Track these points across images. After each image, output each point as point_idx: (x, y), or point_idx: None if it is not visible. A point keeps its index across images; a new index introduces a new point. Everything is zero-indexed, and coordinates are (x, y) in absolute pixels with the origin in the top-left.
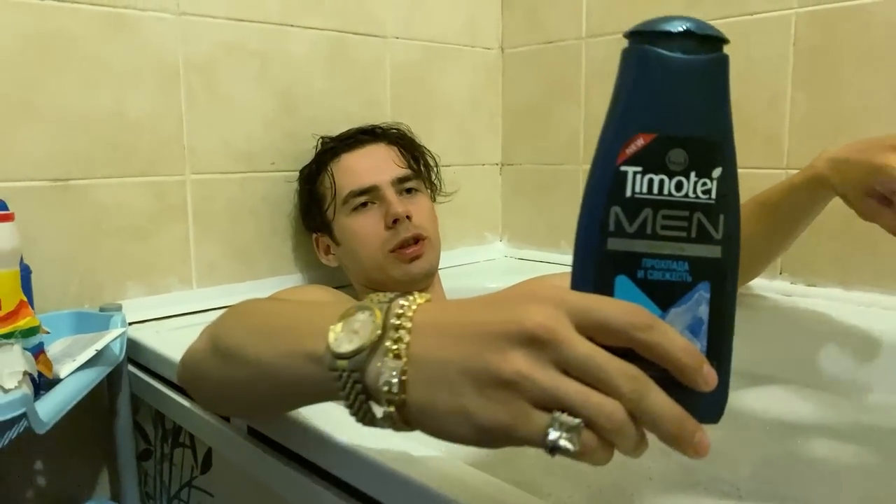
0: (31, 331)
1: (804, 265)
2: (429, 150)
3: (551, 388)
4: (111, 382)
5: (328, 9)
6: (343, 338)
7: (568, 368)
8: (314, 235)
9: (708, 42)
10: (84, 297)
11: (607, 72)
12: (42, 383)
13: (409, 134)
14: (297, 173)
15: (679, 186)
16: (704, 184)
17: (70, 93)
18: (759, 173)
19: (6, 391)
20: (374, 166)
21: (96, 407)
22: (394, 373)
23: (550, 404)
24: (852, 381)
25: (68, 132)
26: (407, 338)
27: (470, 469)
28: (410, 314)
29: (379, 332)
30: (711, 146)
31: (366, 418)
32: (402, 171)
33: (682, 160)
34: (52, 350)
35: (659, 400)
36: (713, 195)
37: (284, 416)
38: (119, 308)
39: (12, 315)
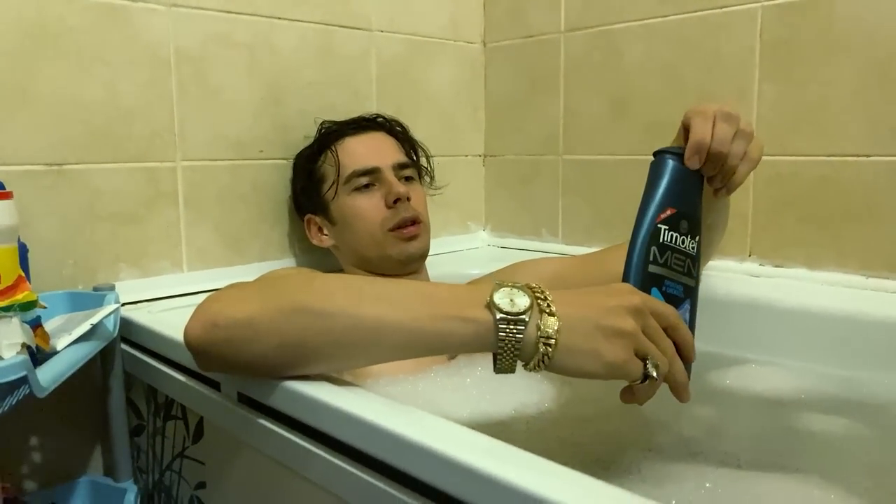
0: (29, 304)
1: (772, 248)
2: (423, 146)
3: (646, 342)
4: (105, 360)
5: (315, 2)
6: (505, 304)
7: (657, 320)
8: (307, 217)
9: None
10: (78, 279)
11: (585, 65)
12: (39, 357)
13: (408, 129)
14: (285, 161)
15: (683, 241)
16: (692, 243)
17: (65, 81)
18: None
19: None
20: (376, 150)
21: (90, 384)
22: (552, 324)
23: (643, 352)
24: (821, 357)
25: (63, 119)
26: (553, 305)
27: (465, 428)
28: (544, 289)
29: (533, 299)
30: (696, 222)
31: (507, 363)
32: (403, 158)
33: (686, 227)
34: (49, 326)
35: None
36: (695, 251)
37: (273, 380)
38: (112, 288)
39: (11, 289)
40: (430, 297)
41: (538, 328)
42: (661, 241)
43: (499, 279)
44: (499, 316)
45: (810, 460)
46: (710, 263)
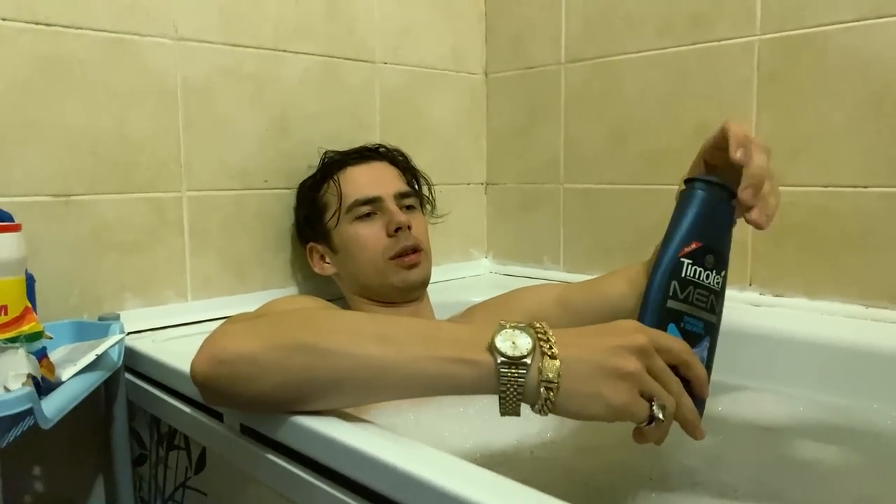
0: (35, 335)
1: (772, 277)
2: (425, 175)
3: (651, 382)
4: (108, 390)
5: (320, 35)
6: (507, 347)
7: (666, 357)
8: (309, 245)
9: (727, 192)
10: (83, 308)
11: (585, 95)
12: (44, 387)
13: (409, 158)
14: (289, 190)
15: (707, 277)
16: (717, 278)
17: (74, 113)
18: None
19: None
20: (378, 179)
21: (93, 414)
22: (553, 368)
23: (648, 393)
24: (820, 386)
25: (72, 150)
26: (555, 347)
27: (468, 463)
28: (547, 329)
29: (535, 342)
30: (723, 256)
31: (511, 407)
32: (404, 187)
33: (711, 262)
34: (54, 357)
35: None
36: (720, 286)
37: (277, 414)
38: (117, 317)
39: (17, 320)
40: (431, 338)
41: (540, 371)
42: (682, 275)
43: (502, 307)
44: (500, 360)
45: (803, 491)
46: None
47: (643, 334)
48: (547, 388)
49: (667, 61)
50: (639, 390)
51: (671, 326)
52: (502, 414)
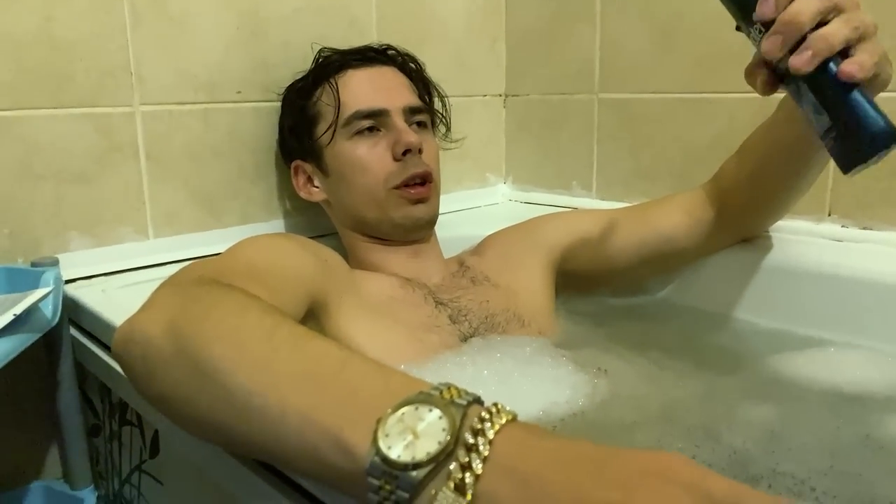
0: None
1: (857, 205)
2: (440, 89)
3: None
4: (50, 349)
5: None
6: (397, 437)
7: None
8: (294, 163)
9: None
10: (17, 251)
11: None
12: None
13: (422, 66)
14: (268, 103)
15: None
16: None
17: None
18: None
19: None
20: (385, 88)
21: (38, 377)
22: None
23: None
24: None
25: None
26: (479, 468)
27: None
28: (490, 435)
29: (449, 446)
30: None
31: None
32: (415, 101)
33: None
34: None
35: None
36: None
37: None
38: (55, 263)
39: None
40: (321, 382)
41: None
42: None
43: (522, 238)
44: (372, 460)
45: None
46: (780, 224)
47: (688, 498)
48: None
49: None
50: None
51: None
52: None
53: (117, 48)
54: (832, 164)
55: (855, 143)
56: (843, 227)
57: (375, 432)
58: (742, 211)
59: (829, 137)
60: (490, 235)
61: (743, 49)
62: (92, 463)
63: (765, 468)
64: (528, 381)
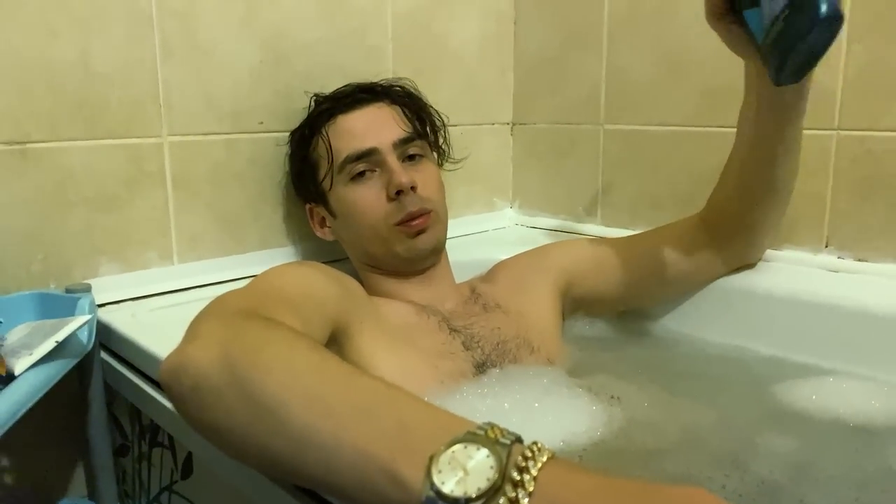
0: None
1: (853, 237)
2: (436, 111)
3: None
4: (82, 372)
5: None
6: (449, 473)
7: None
8: (308, 206)
9: None
10: (50, 276)
11: (632, 19)
12: None
13: (415, 91)
14: (289, 135)
15: None
16: None
17: (26, 42)
18: (806, 134)
19: None
20: (373, 127)
21: (68, 397)
22: None
23: None
24: None
25: (26, 88)
26: (525, 502)
27: None
28: (534, 472)
29: (497, 483)
30: None
31: None
32: (405, 133)
33: None
34: (11, 338)
35: None
36: None
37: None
38: (87, 289)
39: None
40: (373, 416)
41: None
42: None
43: (532, 265)
44: (427, 495)
45: None
46: (779, 254)
47: None
48: None
49: None
50: None
51: None
52: None
53: (148, 79)
54: (829, 197)
55: (804, 18)
56: (839, 258)
57: (429, 468)
58: (731, 234)
59: (780, 21)
60: (500, 262)
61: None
62: (118, 482)
63: (793, 499)
64: (548, 412)
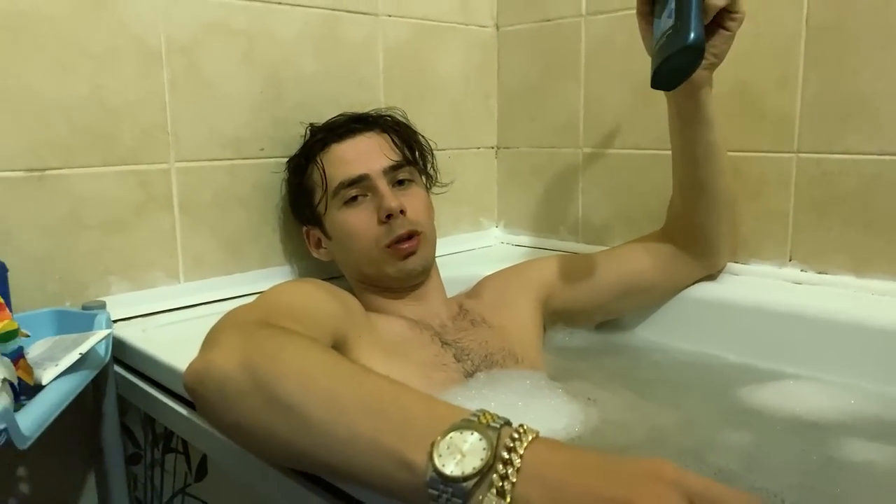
0: (10, 335)
1: (815, 252)
2: (424, 138)
3: None
4: (96, 384)
5: None
6: (448, 457)
7: None
8: (305, 228)
9: None
10: (65, 295)
11: (607, 50)
12: (22, 389)
13: (404, 120)
14: (286, 162)
15: None
16: None
17: (44, 77)
18: (768, 157)
19: None
20: (364, 155)
21: (81, 409)
22: None
23: None
24: (871, 375)
25: (43, 119)
26: (514, 477)
27: None
28: (521, 451)
29: (490, 461)
30: None
31: None
32: (395, 160)
33: None
34: (33, 353)
35: None
36: None
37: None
38: (103, 306)
39: None
40: (380, 411)
41: None
42: None
43: (514, 280)
44: (431, 474)
45: (861, 500)
46: (745, 268)
47: (660, 490)
48: None
49: None
50: None
51: None
52: None
53: (157, 110)
54: (792, 215)
55: (678, 39)
56: (802, 271)
57: (431, 453)
58: (689, 242)
59: (665, 36)
60: (485, 278)
61: (716, 110)
62: (129, 489)
63: (745, 484)
64: (530, 411)
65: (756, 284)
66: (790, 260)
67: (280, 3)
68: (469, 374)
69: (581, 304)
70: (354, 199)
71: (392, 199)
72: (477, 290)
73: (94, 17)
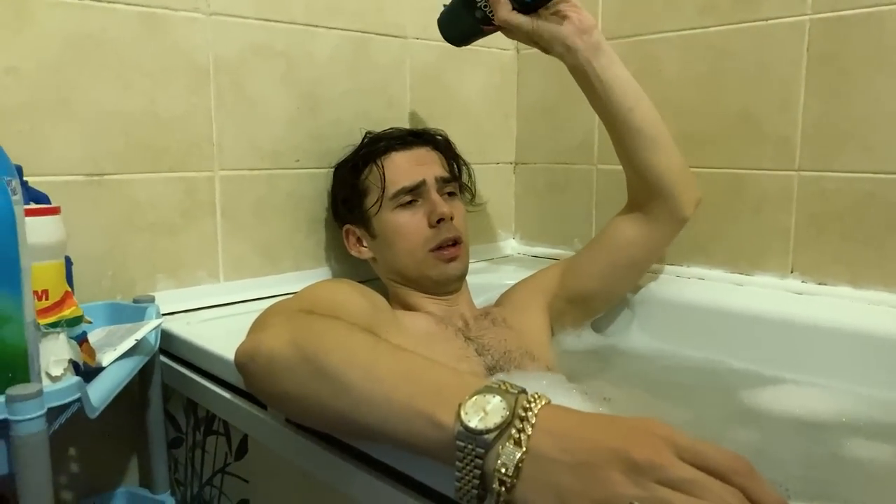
0: (76, 320)
1: (814, 264)
2: (466, 162)
3: (648, 498)
4: (143, 372)
5: (351, 10)
6: (473, 414)
7: (673, 487)
8: (345, 227)
9: None
10: (116, 290)
11: None
12: (84, 372)
13: (451, 143)
14: (320, 170)
15: None
16: None
17: (105, 92)
18: (771, 175)
19: (53, 378)
20: (422, 164)
21: (127, 396)
22: (513, 457)
23: None
24: (866, 380)
25: (104, 130)
26: (529, 430)
27: None
28: (536, 410)
29: (509, 419)
30: None
31: (469, 494)
32: (447, 173)
33: None
34: (92, 339)
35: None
36: None
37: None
38: (152, 300)
39: (58, 305)
40: (414, 379)
41: (498, 456)
42: None
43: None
44: (459, 429)
45: (857, 491)
46: (749, 279)
47: (653, 441)
48: (500, 482)
49: (708, 41)
50: None
51: None
52: (459, 497)
53: (204, 123)
54: (793, 230)
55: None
56: (802, 282)
57: (458, 412)
58: (647, 195)
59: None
60: (507, 290)
61: (721, 132)
62: (170, 471)
63: None
64: None
65: (759, 295)
66: (791, 272)
67: (317, 27)
68: (489, 367)
69: (583, 289)
70: (409, 203)
71: (444, 205)
72: (499, 300)
73: (151, 39)
